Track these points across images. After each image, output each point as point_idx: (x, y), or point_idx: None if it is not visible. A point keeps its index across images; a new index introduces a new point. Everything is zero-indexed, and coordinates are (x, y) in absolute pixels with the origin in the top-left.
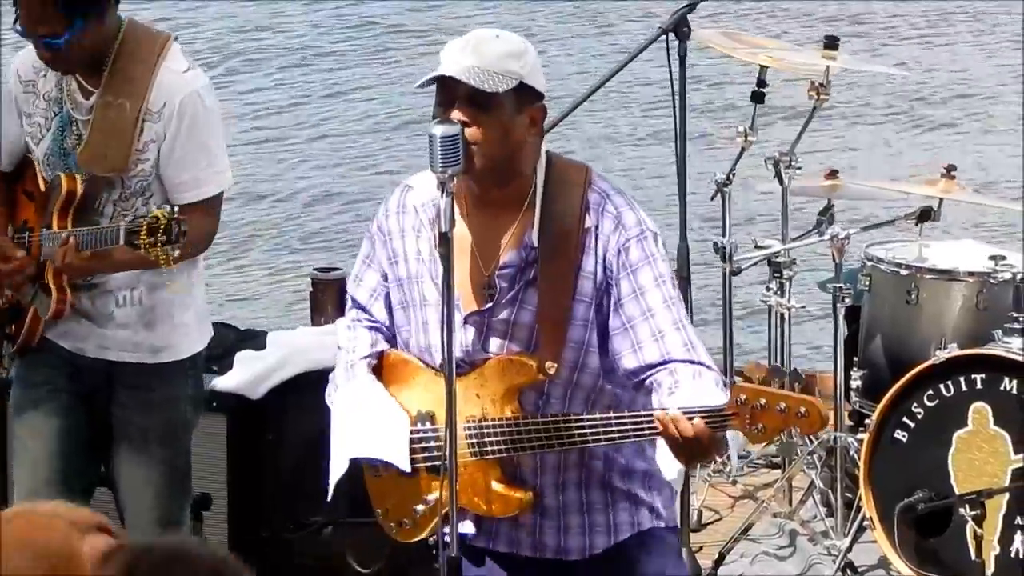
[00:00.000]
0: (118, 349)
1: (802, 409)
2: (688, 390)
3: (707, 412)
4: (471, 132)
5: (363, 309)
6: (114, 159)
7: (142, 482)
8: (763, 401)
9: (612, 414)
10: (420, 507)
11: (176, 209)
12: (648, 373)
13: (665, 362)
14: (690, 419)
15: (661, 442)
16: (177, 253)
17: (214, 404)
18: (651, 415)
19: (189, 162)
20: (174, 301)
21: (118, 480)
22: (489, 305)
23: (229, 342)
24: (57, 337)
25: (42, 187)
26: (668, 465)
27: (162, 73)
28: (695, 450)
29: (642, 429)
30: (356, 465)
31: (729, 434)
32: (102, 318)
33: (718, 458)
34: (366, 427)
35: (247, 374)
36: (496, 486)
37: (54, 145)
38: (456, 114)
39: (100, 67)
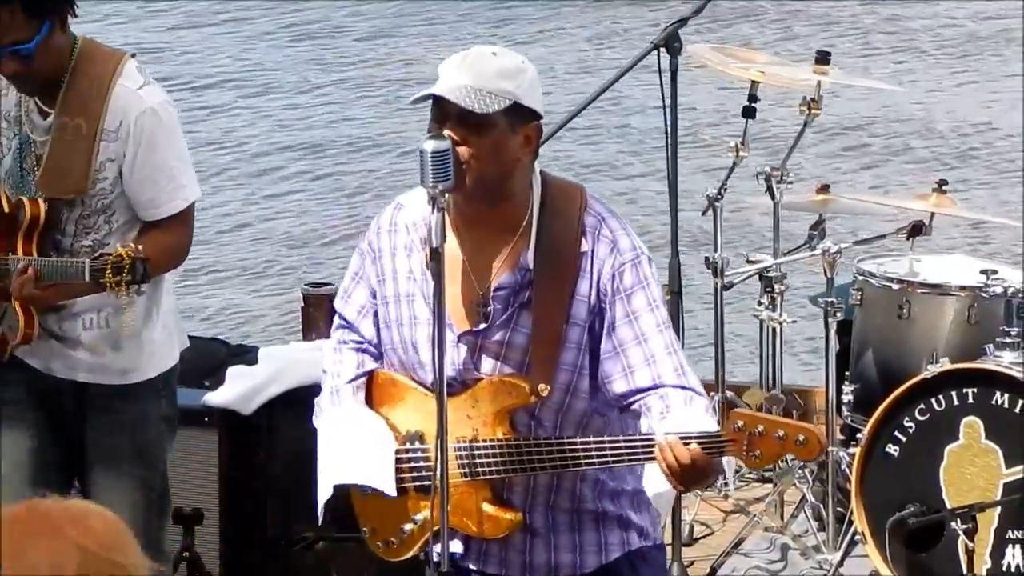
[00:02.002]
0: (86, 371)
1: (800, 437)
2: (679, 415)
3: (705, 438)
4: (462, 151)
5: (351, 326)
6: (73, 180)
7: (117, 505)
8: (761, 428)
9: (606, 438)
10: (408, 526)
11: (140, 248)
12: (637, 397)
13: (656, 387)
14: (687, 445)
15: (653, 476)
16: (143, 291)
17: (206, 419)
18: (647, 440)
19: (150, 181)
20: (139, 321)
21: (94, 500)
22: (483, 326)
23: (221, 357)
24: (26, 356)
25: (6, 207)
26: (654, 487)
27: (117, 91)
28: (691, 476)
29: (636, 453)
30: (343, 484)
31: (724, 461)
32: (69, 340)
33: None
34: (351, 453)
35: (239, 389)
36: (486, 507)
37: (14, 165)
38: (448, 133)
39: (57, 87)
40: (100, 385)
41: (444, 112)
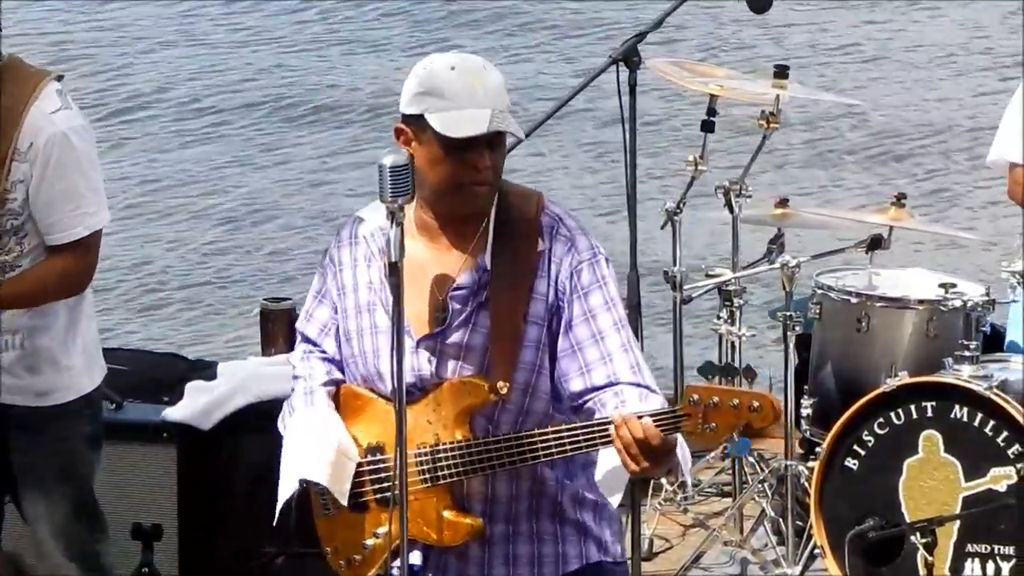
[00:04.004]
0: (4, 392)
1: (754, 403)
2: (633, 409)
3: (660, 413)
4: (490, 175)
5: (314, 345)
6: None
7: (47, 520)
8: (715, 399)
9: (563, 426)
10: (369, 541)
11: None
12: (594, 395)
13: (611, 384)
14: (641, 419)
15: (603, 457)
16: None
17: (164, 435)
18: (603, 423)
19: (56, 204)
20: (57, 345)
21: (26, 518)
22: (440, 328)
23: (179, 373)
24: None
25: None
26: (606, 464)
27: (31, 113)
28: (647, 455)
29: (594, 438)
30: (306, 496)
31: (680, 453)
32: None
33: (669, 483)
34: (317, 451)
35: (197, 405)
36: (446, 514)
37: None
38: (484, 161)
39: None
40: (19, 407)
41: (469, 140)
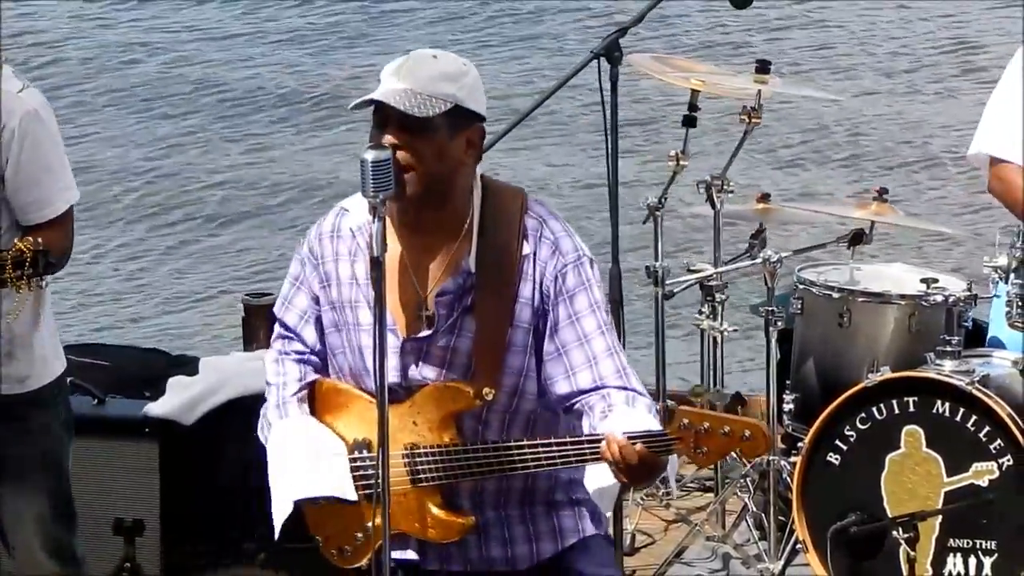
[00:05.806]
0: None
1: (746, 433)
2: (621, 415)
3: (652, 437)
4: (403, 156)
5: (292, 333)
6: None
7: (27, 513)
8: (706, 425)
9: (553, 440)
10: (360, 534)
11: (40, 241)
12: (580, 398)
13: (598, 387)
14: (634, 444)
15: (593, 473)
16: (45, 283)
17: (146, 430)
18: (593, 440)
19: (35, 182)
20: (28, 329)
21: (3, 515)
22: (427, 332)
23: (161, 368)
24: None
25: None
26: (596, 483)
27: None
28: (638, 474)
29: (584, 454)
30: (303, 499)
31: (669, 465)
32: None
33: (657, 483)
34: (306, 466)
35: (179, 400)
36: (436, 511)
37: None
38: (388, 138)
39: None
40: (1, 396)
41: (384, 117)
